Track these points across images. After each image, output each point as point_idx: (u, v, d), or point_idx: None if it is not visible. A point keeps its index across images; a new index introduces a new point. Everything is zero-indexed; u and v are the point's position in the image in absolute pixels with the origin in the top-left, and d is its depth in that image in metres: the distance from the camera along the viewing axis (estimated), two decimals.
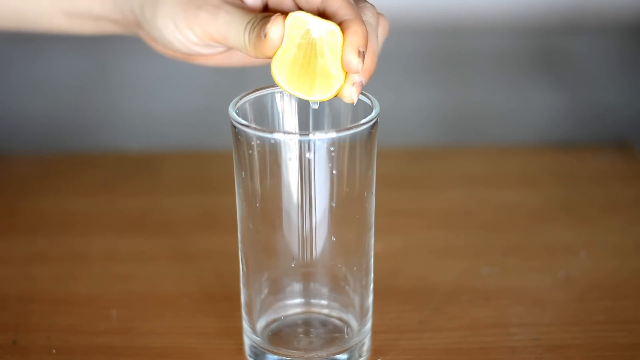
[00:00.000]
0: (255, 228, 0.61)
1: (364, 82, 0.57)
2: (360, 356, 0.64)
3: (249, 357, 0.65)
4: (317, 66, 0.57)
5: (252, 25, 0.58)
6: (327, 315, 0.64)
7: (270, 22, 0.56)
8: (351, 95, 0.57)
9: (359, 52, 0.56)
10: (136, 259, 0.77)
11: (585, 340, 0.67)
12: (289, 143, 0.58)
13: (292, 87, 0.58)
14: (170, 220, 0.82)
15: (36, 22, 0.70)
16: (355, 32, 0.56)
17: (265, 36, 0.56)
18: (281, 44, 0.57)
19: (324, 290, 0.63)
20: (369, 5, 0.60)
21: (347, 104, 0.61)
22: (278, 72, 0.57)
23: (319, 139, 0.58)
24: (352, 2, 0.58)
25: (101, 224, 0.82)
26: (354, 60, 0.56)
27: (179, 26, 0.61)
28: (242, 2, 0.61)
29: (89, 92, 1.40)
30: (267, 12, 0.61)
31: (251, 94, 0.62)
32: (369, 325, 0.64)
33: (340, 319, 0.64)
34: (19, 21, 0.70)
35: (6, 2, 0.69)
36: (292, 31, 0.56)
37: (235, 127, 0.59)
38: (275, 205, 0.60)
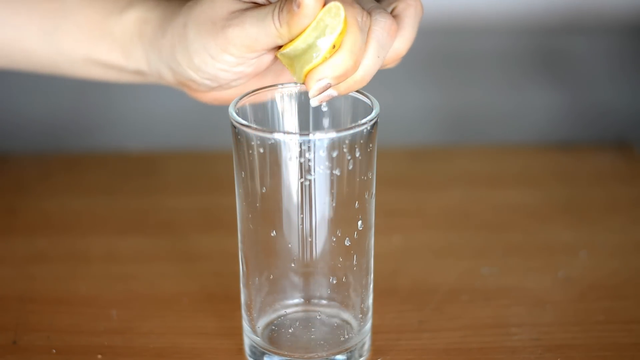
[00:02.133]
0: (255, 228, 0.61)
1: (334, 94, 0.58)
2: (360, 356, 0.64)
3: (249, 357, 0.65)
4: (297, 57, 0.57)
5: (279, 8, 0.57)
6: (327, 315, 0.64)
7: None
8: (313, 96, 0.58)
9: (319, 80, 0.56)
10: (136, 259, 0.77)
11: (585, 340, 0.67)
12: (289, 143, 0.58)
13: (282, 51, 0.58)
14: (170, 220, 0.82)
15: (70, 71, 0.69)
16: (333, 65, 0.56)
17: (299, 6, 0.56)
18: (316, 16, 0.56)
19: (324, 291, 0.63)
20: (381, 20, 0.58)
21: (347, 103, 0.61)
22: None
23: (319, 139, 0.58)
24: (364, 19, 0.57)
25: (101, 224, 0.82)
26: (311, 86, 0.57)
27: (214, 56, 0.60)
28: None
29: (89, 92, 1.39)
30: None
31: (251, 94, 0.62)
32: (369, 325, 0.64)
33: (340, 319, 0.64)
34: (53, 70, 0.70)
35: (40, 52, 0.69)
36: (325, 16, 0.56)
37: (235, 127, 0.59)
38: (275, 205, 0.60)
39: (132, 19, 0.65)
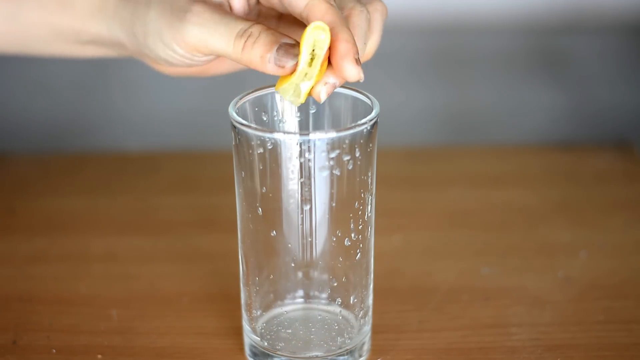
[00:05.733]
0: (255, 228, 0.61)
1: (337, 84, 0.57)
2: (360, 356, 0.64)
3: (249, 357, 0.65)
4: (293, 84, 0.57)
5: (243, 37, 0.57)
6: (327, 315, 0.64)
7: (292, 53, 0.56)
8: (320, 94, 0.57)
9: (356, 60, 0.56)
10: (136, 259, 0.77)
11: (585, 340, 0.67)
12: (289, 143, 0.58)
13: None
14: (170, 220, 0.82)
15: (36, 48, 0.70)
16: (347, 40, 0.55)
17: (284, 67, 0.56)
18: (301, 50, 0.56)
19: (324, 290, 0.63)
20: (362, 15, 0.59)
21: (347, 103, 0.62)
22: None
23: (319, 139, 0.58)
24: (336, 7, 0.57)
25: (101, 224, 0.82)
26: (353, 70, 0.56)
27: (166, 43, 0.60)
28: (230, 7, 0.61)
29: (89, 92, 1.39)
30: (257, 14, 0.61)
31: (251, 94, 0.62)
32: (369, 325, 0.64)
33: (340, 319, 0.64)
34: (23, 48, 0.70)
35: (7, 31, 0.69)
36: (309, 46, 0.56)
37: (235, 127, 0.59)
38: (275, 205, 0.60)
39: None
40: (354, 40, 0.56)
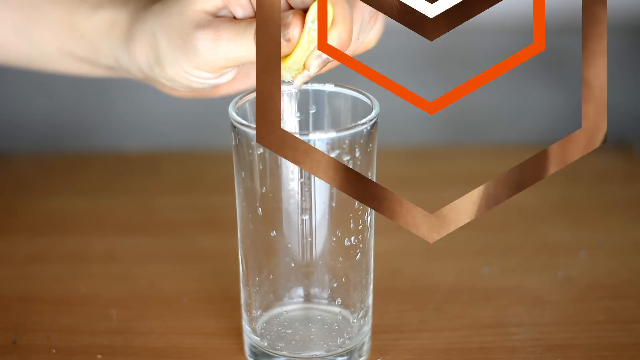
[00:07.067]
0: (255, 228, 0.61)
1: (311, 74, 0.58)
2: (360, 356, 0.64)
3: (248, 357, 0.65)
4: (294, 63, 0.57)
5: None
6: (327, 315, 0.64)
7: (292, 25, 0.56)
8: (296, 82, 0.58)
9: (320, 56, 0.56)
10: (136, 259, 0.77)
11: (585, 340, 0.67)
12: None
13: None
14: (170, 220, 0.82)
15: (43, 65, 0.69)
16: (330, 38, 0.56)
17: (289, 40, 0.56)
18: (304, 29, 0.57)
19: (324, 290, 0.63)
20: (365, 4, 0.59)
21: (347, 103, 0.62)
22: None
23: (319, 139, 0.58)
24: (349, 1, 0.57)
25: (101, 224, 0.82)
26: (312, 63, 0.57)
27: (188, 71, 0.60)
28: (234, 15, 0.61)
29: (89, 92, 1.40)
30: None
31: (251, 94, 0.62)
32: (369, 325, 0.64)
33: (340, 319, 0.64)
34: (27, 63, 0.70)
35: (14, 45, 0.68)
36: (314, 23, 0.56)
37: (235, 127, 0.59)
38: (275, 205, 0.60)
39: (100, 19, 0.65)
40: (342, 40, 0.56)
